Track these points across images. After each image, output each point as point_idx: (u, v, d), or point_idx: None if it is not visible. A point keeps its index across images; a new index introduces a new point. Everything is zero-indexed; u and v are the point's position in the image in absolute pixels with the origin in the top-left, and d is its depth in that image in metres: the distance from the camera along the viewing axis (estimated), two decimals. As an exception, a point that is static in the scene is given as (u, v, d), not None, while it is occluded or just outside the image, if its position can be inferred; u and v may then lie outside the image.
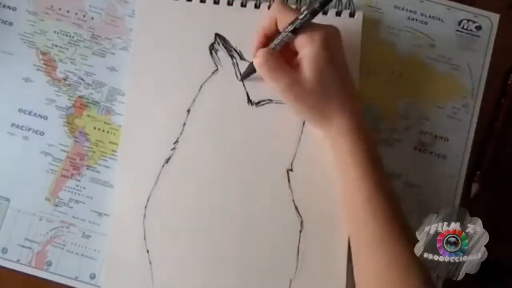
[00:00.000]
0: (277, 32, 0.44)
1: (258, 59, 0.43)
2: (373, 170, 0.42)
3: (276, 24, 0.44)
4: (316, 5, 0.41)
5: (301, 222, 0.47)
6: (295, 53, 0.44)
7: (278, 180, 0.47)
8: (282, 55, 0.44)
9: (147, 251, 0.47)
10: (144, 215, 0.47)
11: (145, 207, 0.47)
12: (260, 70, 0.44)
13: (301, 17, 0.42)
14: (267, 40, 0.45)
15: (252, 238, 0.47)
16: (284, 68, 0.43)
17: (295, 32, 0.42)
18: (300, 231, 0.47)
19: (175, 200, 0.47)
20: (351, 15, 0.49)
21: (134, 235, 0.47)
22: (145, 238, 0.47)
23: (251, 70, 0.47)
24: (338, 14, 0.49)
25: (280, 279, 0.46)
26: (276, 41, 0.43)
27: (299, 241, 0.47)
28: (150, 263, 0.46)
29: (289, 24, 0.42)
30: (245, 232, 0.47)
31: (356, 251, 0.45)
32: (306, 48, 0.42)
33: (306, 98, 0.43)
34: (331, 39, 0.43)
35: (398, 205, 0.43)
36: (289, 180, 0.48)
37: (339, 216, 0.47)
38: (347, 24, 0.49)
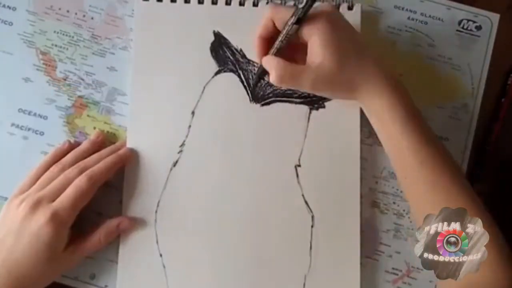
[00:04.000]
0: (275, 33, 0.44)
1: (274, 75, 0.43)
2: (413, 123, 0.42)
3: (273, 25, 0.44)
4: None
5: (312, 217, 0.47)
6: (300, 46, 0.43)
7: (286, 176, 0.48)
8: (288, 53, 0.44)
9: (160, 255, 0.47)
10: (155, 220, 0.47)
11: (156, 211, 0.47)
12: (282, 85, 0.43)
13: (301, 5, 0.41)
14: (267, 43, 0.45)
15: (264, 237, 0.47)
16: (302, 69, 0.42)
17: (299, 22, 0.42)
18: (312, 226, 0.47)
19: (185, 203, 0.47)
20: (350, 8, 0.49)
21: (146, 240, 0.47)
22: (157, 243, 0.47)
23: (261, 76, 0.47)
24: (337, 7, 0.49)
25: (294, 276, 0.47)
26: (281, 38, 0.43)
27: (311, 237, 0.47)
28: (164, 267, 0.47)
29: (291, 17, 0.42)
30: (257, 230, 0.47)
31: (411, 200, 0.45)
32: (317, 35, 0.42)
33: (335, 82, 0.43)
34: (336, 18, 0.43)
35: (444, 152, 0.43)
36: (297, 176, 0.48)
37: (350, 208, 0.47)
38: (346, 18, 0.49)
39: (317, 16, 0.42)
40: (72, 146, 0.48)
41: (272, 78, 0.43)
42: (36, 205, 0.43)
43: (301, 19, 0.41)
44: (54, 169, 0.46)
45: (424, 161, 0.42)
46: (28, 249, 0.42)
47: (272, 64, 0.43)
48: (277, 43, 0.43)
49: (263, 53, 0.45)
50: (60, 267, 0.45)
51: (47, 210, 0.42)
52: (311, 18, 0.42)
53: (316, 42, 0.42)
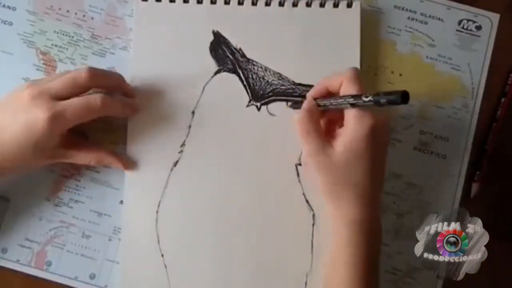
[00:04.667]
0: (336, 93, 0.43)
1: (297, 116, 0.43)
2: (363, 271, 0.41)
3: (340, 85, 0.42)
4: (383, 100, 0.37)
5: (313, 216, 0.47)
6: (339, 121, 0.43)
7: (287, 175, 0.48)
8: (328, 115, 0.44)
9: (162, 255, 0.47)
10: (156, 220, 0.47)
11: (157, 211, 0.47)
12: (298, 126, 0.43)
13: (366, 99, 0.39)
14: (325, 91, 0.44)
15: (265, 235, 0.47)
16: (317, 133, 0.42)
17: (353, 106, 0.40)
18: (313, 225, 0.47)
19: (186, 202, 0.47)
20: (349, 5, 0.49)
21: (147, 240, 0.47)
22: (158, 242, 0.47)
23: (294, 106, 0.48)
24: (336, 5, 0.49)
25: (296, 274, 0.47)
26: (332, 102, 0.42)
27: (312, 235, 0.47)
28: (166, 266, 0.47)
29: (352, 96, 0.40)
30: (258, 229, 0.47)
31: None
32: (352, 127, 0.40)
33: (328, 172, 0.42)
34: (379, 130, 0.40)
35: None
36: (298, 175, 0.48)
37: None
38: (345, 15, 0.49)
39: (368, 113, 0.40)
40: None
41: (297, 116, 0.43)
42: (40, 95, 0.41)
43: (355, 106, 0.40)
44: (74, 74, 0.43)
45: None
46: (16, 136, 0.41)
47: (303, 111, 0.43)
48: (325, 101, 0.43)
49: (316, 95, 0.44)
50: (44, 161, 0.45)
51: (48, 107, 0.41)
52: (363, 110, 0.40)
53: (348, 132, 0.40)
